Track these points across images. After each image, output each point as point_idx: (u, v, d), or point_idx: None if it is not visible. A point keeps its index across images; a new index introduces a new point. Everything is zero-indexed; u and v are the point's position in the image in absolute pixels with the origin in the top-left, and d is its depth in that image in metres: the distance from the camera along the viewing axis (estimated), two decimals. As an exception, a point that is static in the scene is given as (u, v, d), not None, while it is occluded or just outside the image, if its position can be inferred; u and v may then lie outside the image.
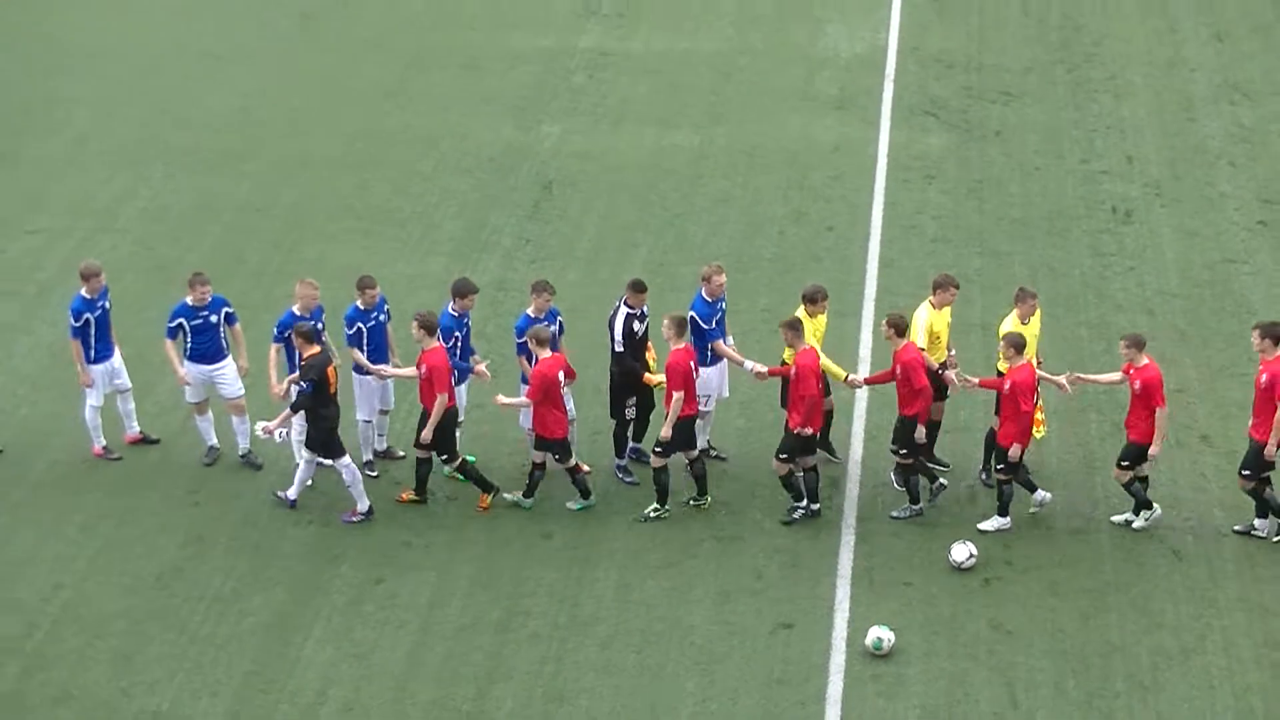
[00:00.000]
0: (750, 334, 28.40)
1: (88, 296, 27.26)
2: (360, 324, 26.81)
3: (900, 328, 26.02)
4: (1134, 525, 26.01)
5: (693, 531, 26.05)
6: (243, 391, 27.31)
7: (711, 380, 27.03)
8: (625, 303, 26.93)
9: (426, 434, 25.95)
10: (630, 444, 27.40)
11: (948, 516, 26.25)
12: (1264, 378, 25.40)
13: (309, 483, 26.45)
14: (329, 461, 26.17)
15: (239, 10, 44.70)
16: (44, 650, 23.84)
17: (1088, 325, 31.07)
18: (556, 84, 40.80)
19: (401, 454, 27.58)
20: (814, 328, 26.75)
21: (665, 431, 25.85)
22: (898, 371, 25.78)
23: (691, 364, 25.83)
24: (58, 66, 41.47)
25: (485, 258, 33.43)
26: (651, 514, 26.31)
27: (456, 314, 26.89)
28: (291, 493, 26.52)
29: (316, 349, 25.90)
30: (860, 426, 28.09)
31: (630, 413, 27.19)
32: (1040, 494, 26.19)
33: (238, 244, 33.96)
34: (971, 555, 25.19)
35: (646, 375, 26.87)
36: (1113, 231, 34.51)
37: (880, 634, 23.65)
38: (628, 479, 27.20)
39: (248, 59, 41.97)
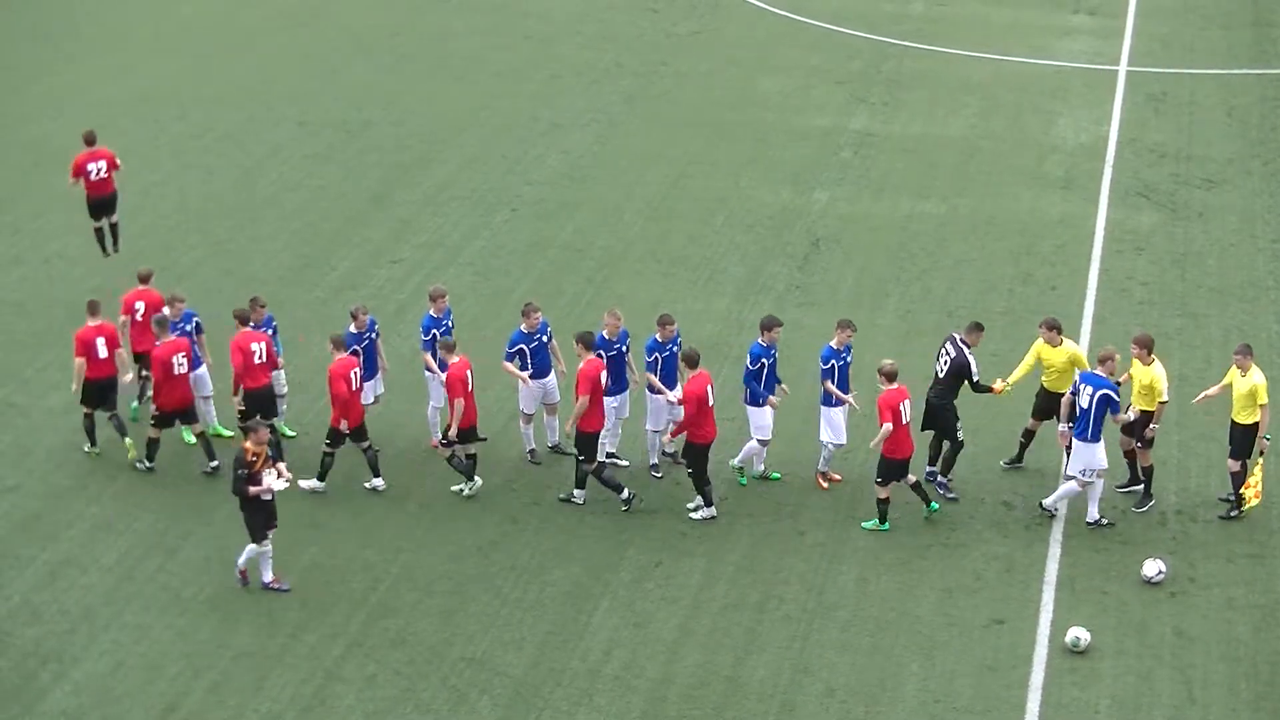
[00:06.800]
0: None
1: (435, 315, 27.32)
2: (658, 354, 26.50)
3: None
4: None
5: (923, 538, 25.52)
6: (559, 397, 27.24)
7: None
8: (964, 342, 26.27)
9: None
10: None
11: (1141, 537, 25.47)
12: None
13: None
14: None
15: (577, 89, 44.81)
16: (385, 602, 23.99)
17: (1271, 380, 29.63)
18: (829, 158, 40.35)
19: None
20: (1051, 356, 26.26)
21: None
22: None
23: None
24: (429, 130, 41.86)
25: (761, 299, 33.04)
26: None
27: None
28: None
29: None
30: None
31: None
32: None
33: (558, 278, 33.91)
34: (1161, 571, 24.45)
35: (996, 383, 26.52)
36: (1297, 302, 33.34)
37: (1079, 633, 23.07)
38: (950, 495, 26.51)
39: (582, 129, 42.00)
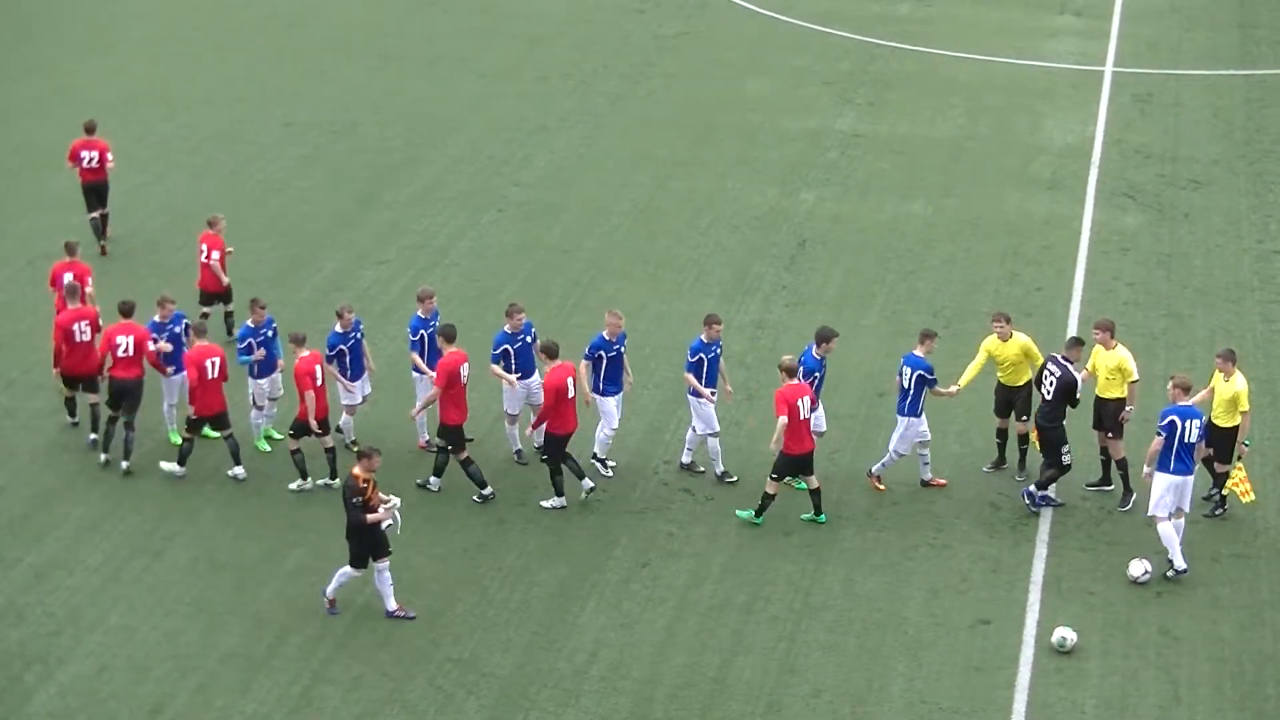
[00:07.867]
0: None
1: (422, 316, 27.25)
2: (703, 355, 26.40)
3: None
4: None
5: (910, 538, 25.47)
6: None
7: None
8: (1065, 359, 25.86)
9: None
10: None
11: (1128, 537, 25.39)
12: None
13: None
14: None
15: (564, 90, 44.74)
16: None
17: (1256, 381, 29.79)
18: (815, 158, 40.30)
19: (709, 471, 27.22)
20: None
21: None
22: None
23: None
24: (416, 131, 41.79)
25: (747, 300, 32.98)
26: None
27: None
28: None
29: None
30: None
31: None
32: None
33: (545, 280, 33.81)
34: (1146, 571, 24.40)
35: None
36: (1281, 302, 33.31)
37: (1065, 633, 23.01)
38: (1056, 502, 26.21)
39: (569, 130, 41.93)
